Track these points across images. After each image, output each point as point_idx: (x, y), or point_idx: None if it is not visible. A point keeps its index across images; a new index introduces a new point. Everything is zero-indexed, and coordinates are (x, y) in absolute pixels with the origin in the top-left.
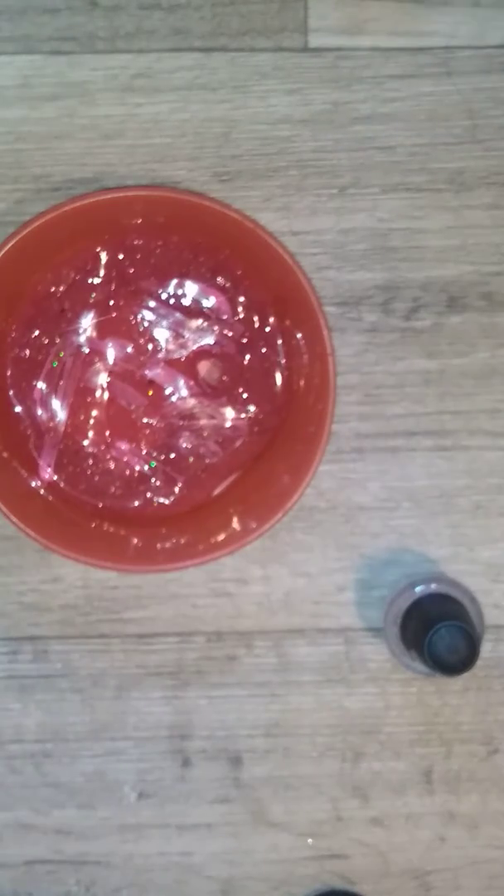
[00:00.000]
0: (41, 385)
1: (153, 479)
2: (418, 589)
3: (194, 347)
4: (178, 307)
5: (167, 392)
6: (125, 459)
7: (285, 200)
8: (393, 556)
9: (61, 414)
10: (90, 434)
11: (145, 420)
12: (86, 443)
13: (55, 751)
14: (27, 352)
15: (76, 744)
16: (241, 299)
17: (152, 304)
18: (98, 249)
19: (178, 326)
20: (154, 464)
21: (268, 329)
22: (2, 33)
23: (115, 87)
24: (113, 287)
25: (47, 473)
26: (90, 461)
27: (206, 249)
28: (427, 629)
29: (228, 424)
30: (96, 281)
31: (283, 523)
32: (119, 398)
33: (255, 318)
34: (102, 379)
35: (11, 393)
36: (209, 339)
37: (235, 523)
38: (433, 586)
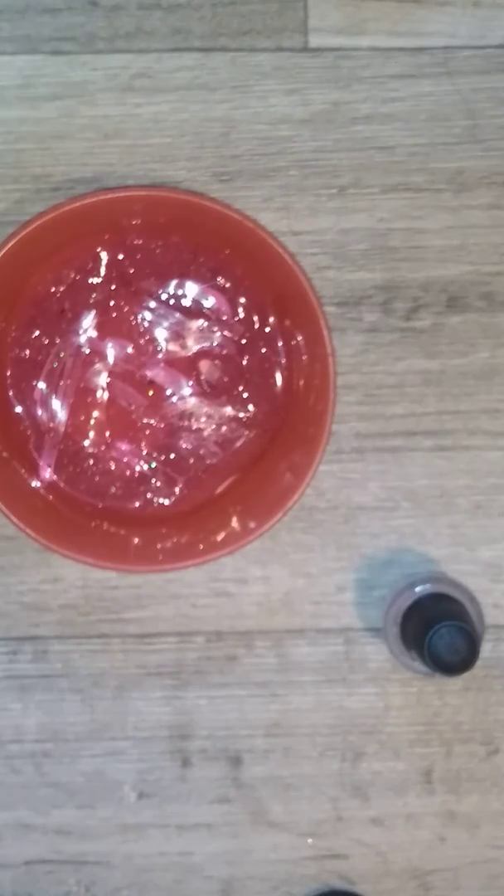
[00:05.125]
0: (41, 385)
1: (153, 480)
2: (418, 589)
3: (195, 348)
4: (179, 307)
5: (167, 392)
6: (125, 460)
7: (285, 200)
8: (393, 556)
9: (61, 414)
10: (90, 434)
11: (145, 420)
12: (86, 443)
13: (55, 751)
14: (27, 352)
15: (76, 744)
16: (242, 300)
17: (152, 304)
18: (98, 249)
19: (179, 327)
20: (154, 464)
21: (268, 329)
22: (2, 33)
23: (115, 87)
24: (113, 287)
25: (47, 473)
26: (90, 461)
27: (206, 249)
28: (427, 629)
29: (228, 425)
30: (96, 281)
31: (283, 523)
32: (119, 398)
33: (255, 319)
34: (103, 379)
35: (11, 393)
36: (209, 340)
37: (235, 523)
38: (433, 586)
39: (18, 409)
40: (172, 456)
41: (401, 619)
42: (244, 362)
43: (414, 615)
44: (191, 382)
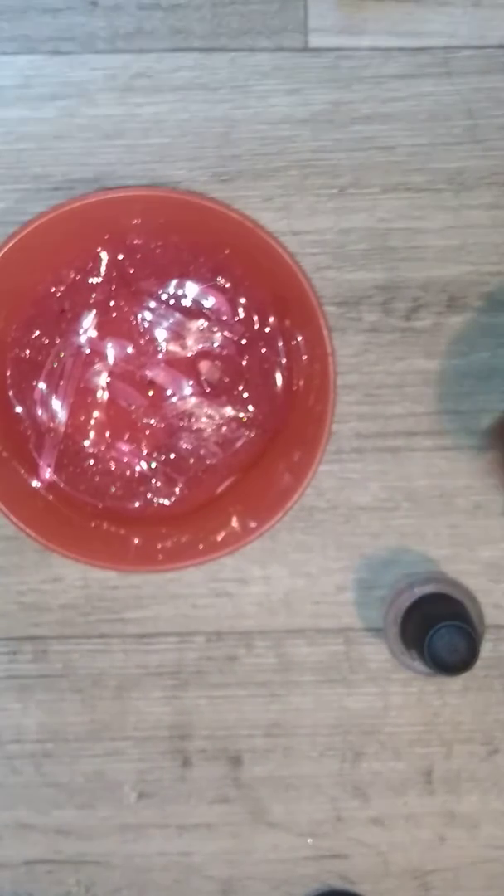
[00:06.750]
0: (41, 385)
1: (153, 480)
2: (418, 589)
3: (195, 348)
4: (179, 308)
5: (167, 392)
6: (125, 460)
7: (285, 200)
8: (393, 556)
9: (61, 414)
10: (90, 434)
11: (145, 420)
12: (86, 443)
13: (55, 751)
14: (27, 352)
15: (76, 744)
16: (242, 300)
17: (152, 304)
18: (98, 249)
19: (179, 327)
20: (154, 464)
21: (268, 329)
22: (2, 33)
23: (115, 87)
24: (113, 287)
25: (47, 474)
26: (90, 462)
27: (206, 249)
28: (427, 629)
29: (228, 425)
30: (96, 281)
31: (283, 523)
32: (119, 399)
33: (255, 319)
34: (103, 379)
35: (11, 393)
36: (210, 341)
37: (235, 523)
38: (433, 586)
39: (18, 409)
40: (172, 456)
41: (401, 619)
42: (244, 363)
43: (414, 615)
44: (191, 383)
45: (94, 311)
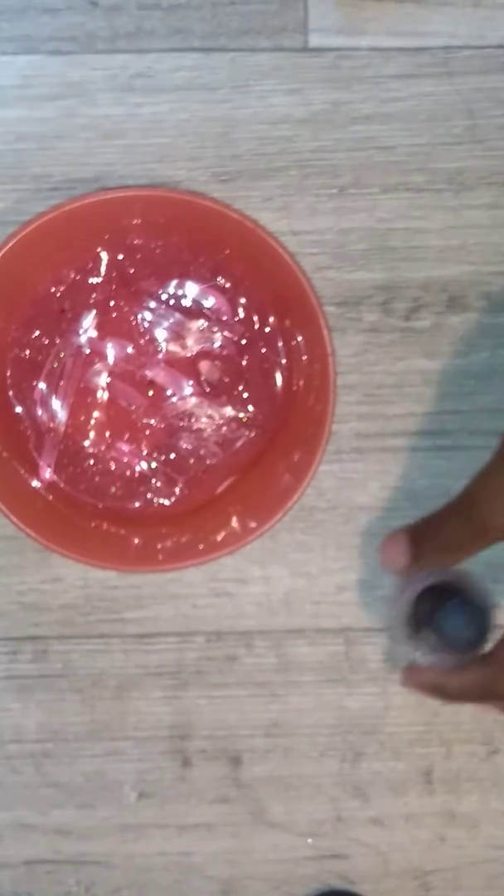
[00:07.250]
0: (41, 385)
1: (153, 480)
2: (430, 577)
3: (195, 349)
4: (179, 308)
5: (168, 393)
6: (125, 460)
7: (285, 200)
8: None
9: (61, 414)
10: (90, 434)
11: (145, 420)
12: (86, 443)
13: (55, 751)
14: (27, 352)
15: (76, 744)
16: (242, 300)
17: (152, 304)
18: (98, 249)
19: (179, 327)
20: (154, 464)
21: (268, 329)
22: (2, 33)
23: (115, 87)
24: (113, 287)
25: (47, 473)
26: (90, 462)
27: (206, 249)
28: (437, 608)
29: (228, 425)
30: (96, 281)
31: (284, 523)
32: (119, 399)
33: (255, 319)
34: (103, 379)
35: (11, 393)
36: (210, 341)
37: (235, 523)
38: (448, 575)
39: (18, 409)
40: (172, 456)
41: (413, 602)
42: (244, 363)
43: (427, 596)
44: (191, 383)
45: (94, 311)
